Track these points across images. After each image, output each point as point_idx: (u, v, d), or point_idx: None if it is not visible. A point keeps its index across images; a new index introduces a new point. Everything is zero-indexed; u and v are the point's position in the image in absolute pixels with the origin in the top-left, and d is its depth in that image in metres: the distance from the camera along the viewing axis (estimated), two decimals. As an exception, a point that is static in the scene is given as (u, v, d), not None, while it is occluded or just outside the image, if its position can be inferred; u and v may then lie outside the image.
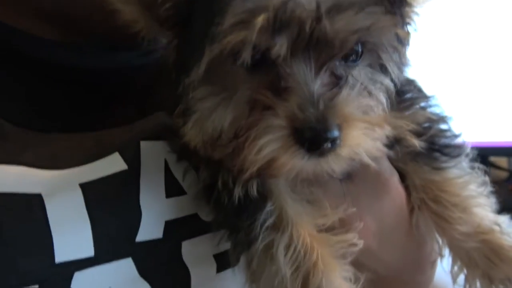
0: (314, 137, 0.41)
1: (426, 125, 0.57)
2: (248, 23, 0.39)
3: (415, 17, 0.50)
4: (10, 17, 0.54)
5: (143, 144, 0.56)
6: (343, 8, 0.40)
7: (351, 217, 0.52)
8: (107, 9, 0.46)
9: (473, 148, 0.60)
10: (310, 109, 0.41)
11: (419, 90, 0.60)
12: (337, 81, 0.43)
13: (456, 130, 0.60)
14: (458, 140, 0.60)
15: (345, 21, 0.41)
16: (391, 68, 0.49)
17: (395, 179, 0.58)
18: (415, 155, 0.57)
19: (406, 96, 0.57)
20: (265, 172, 0.43)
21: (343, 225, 0.52)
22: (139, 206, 0.53)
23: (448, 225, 0.56)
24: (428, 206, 0.56)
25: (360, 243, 0.50)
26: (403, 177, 0.58)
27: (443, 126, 0.59)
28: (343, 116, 0.42)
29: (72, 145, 0.54)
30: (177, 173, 0.56)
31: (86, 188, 0.51)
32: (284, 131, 0.41)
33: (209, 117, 0.45)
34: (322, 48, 0.42)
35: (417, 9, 0.50)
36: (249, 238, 0.49)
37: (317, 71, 0.42)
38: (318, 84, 0.42)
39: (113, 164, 0.54)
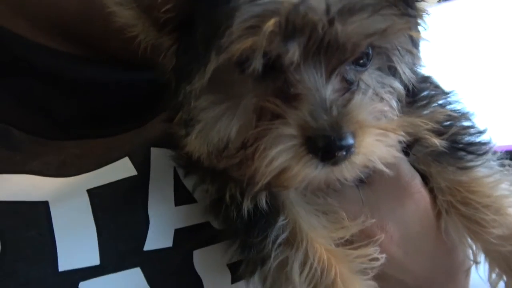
0: (328, 146, 0.38)
1: (446, 123, 0.53)
2: (257, 28, 0.37)
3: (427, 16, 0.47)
4: (27, 30, 0.55)
5: (154, 150, 0.55)
6: (355, 10, 0.38)
7: (372, 228, 0.49)
8: (122, 33, 0.45)
9: (506, 152, 0.56)
10: (323, 117, 0.39)
11: (436, 87, 0.57)
12: (348, 86, 0.41)
13: (480, 126, 0.56)
14: (484, 137, 0.55)
15: (358, 24, 0.39)
16: (402, 70, 0.46)
17: (416, 182, 0.54)
18: (438, 155, 0.53)
19: (422, 94, 0.54)
20: (277, 183, 0.41)
21: (363, 237, 0.48)
22: (147, 214, 0.52)
23: (481, 229, 0.51)
24: (457, 209, 0.52)
25: (382, 257, 0.47)
26: (426, 180, 0.55)
27: (465, 123, 0.56)
28: (357, 123, 0.40)
29: (82, 153, 0.53)
30: (187, 181, 0.55)
31: (93, 193, 0.50)
32: (296, 141, 0.39)
33: (214, 126, 0.43)
34: (333, 52, 0.40)
35: (428, 8, 0.47)
36: (262, 256, 0.47)
37: (328, 77, 0.40)
38: (329, 90, 0.40)
39: (122, 169, 0.53)
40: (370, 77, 0.45)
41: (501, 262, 0.52)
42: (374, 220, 0.49)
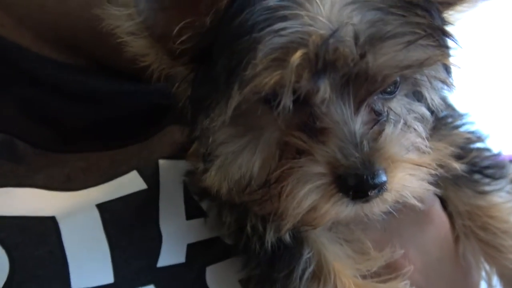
0: (360, 184, 0.37)
1: (465, 146, 0.53)
2: (283, 61, 0.35)
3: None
4: (31, 42, 0.53)
5: (162, 163, 0.53)
6: (387, 38, 0.36)
7: (400, 260, 0.48)
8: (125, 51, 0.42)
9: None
10: (354, 153, 0.37)
11: (452, 108, 0.56)
12: (377, 118, 0.39)
13: (494, 149, 0.56)
14: (499, 159, 0.55)
15: (391, 56, 0.36)
16: (431, 96, 0.44)
17: (437, 207, 0.53)
18: (455, 179, 0.53)
19: (441, 116, 0.53)
20: (304, 222, 0.40)
21: (390, 269, 0.47)
22: (159, 229, 0.49)
23: (499, 254, 0.51)
24: (475, 234, 0.52)
25: None
26: (443, 204, 0.54)
27: (481, 145, 0.55)
28: (389, 158, 0.38)
29: (86, 166, 0.51)
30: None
31: (104, 208, 0.48)
32: (325, 179, 0.37)
33: (235, 162, 0.40)
34: (362, 83, 0.38)
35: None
36: None
37: (357, 109, 0.38)
38: (359, 123, 0.38)
39: (132, 182, 0.50)
40: (398, 104, 0.43)
41: (516, 286, 0.52)
42: (403, 251, 0.48)
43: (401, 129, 0.41)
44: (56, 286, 0.43)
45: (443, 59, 0.40)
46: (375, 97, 0.40)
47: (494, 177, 0.53)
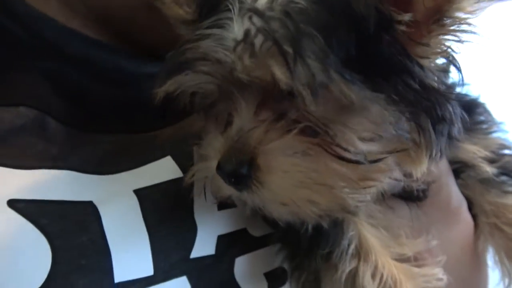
0: (225, 172, 0.40)
1: (497, 151, 0.55)
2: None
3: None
4: (59, 13, 0.51)
5: (196, 149, 0.51)
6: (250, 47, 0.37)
7: (433, 250, 0.49)
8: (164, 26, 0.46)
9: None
10: (227, 145, 0.40)
11: (489, 115, 0.57)
12: (273, 118, 0.40)
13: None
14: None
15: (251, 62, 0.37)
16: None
17: (464, 208, 0.55)
18: (483, 181, 0.54)
19: (479, 119, 0.55)
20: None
21: (424, 256, 0.48)
22: (194, 219, 0.49)
23: None
24: (501, 230, 0.53)
25: (445, 278, 0.47)
26: (470, 205, 0.56)
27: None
28: (251, 152, 0.39)
29: (117, 148, 0.50)
30: None
31: (142, 195, 0.47)
32: (213, 163, 0.41)
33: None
34: (255, 87, 0.39)
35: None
36: (327, 266, 0.46)
37: (257, 109, 0.40)
38: (243, 121, 0.40)
39: (167, 169, 0.50)
40: (322, 109, 0.39)
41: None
42: (436, 242, 0.49)
43: (302, 130, 0.39)
44: (100, 278, 0.42)
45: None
46: (286, 101, 0.39)
47: None
